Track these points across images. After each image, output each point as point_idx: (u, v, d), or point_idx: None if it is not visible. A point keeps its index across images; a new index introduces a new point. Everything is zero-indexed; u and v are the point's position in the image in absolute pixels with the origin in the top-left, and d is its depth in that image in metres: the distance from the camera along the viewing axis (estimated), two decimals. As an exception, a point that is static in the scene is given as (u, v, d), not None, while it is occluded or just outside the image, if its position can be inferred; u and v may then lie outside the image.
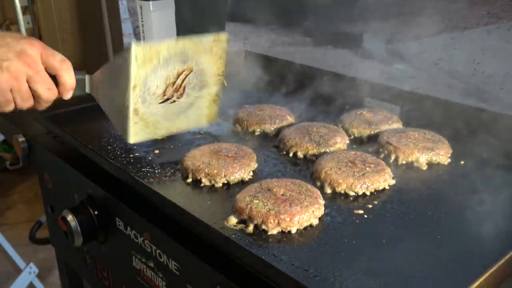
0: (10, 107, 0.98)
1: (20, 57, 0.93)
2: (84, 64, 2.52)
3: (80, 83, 1.04)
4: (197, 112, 1.15)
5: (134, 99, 1.03)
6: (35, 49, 0.95)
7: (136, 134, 1.08)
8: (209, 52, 1.11)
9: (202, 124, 1.19)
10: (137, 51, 1.00)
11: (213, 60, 1.12)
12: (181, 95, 1.10)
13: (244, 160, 1.08)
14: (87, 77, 1.06)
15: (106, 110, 1.09)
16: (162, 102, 1.08)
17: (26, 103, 0.98)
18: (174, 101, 1.10)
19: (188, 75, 1.08)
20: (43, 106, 1.01)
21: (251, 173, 1.08)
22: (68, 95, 1.03)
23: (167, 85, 1.07)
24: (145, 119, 1.07)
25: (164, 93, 1.07)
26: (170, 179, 1.06)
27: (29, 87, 0.96)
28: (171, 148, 1.21)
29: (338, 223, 0.92)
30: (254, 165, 1.10)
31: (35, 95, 0.98)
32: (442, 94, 1.40)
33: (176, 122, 1.13)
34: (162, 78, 1.06)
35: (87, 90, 1.06)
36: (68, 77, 1.00)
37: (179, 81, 1.07)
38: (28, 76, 0.95)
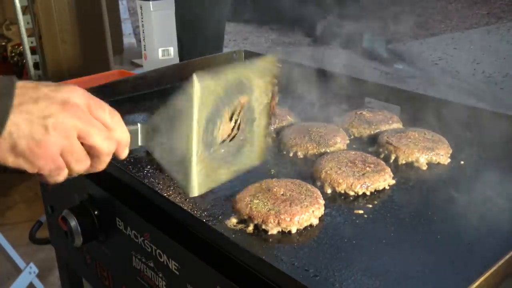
0: (62, 175, 0.74)
1: (65, 107, 0.70)
2: (84, 64, 2.52)
3: (132, 136, 0.82)
4: (250, 149, 0.99)
5: (197, 145, 0.86)
6: (80, 96, 0.73)
7: (200, 185, 0.90)
8: (260, 78, 0.96)
9: (255, 163, 0.99)
10: (200, 84, 0.83)
11: (263, 86, 0.97)
12: (238, 129, 0.94)
13: (244, 160, 1.07)
14: (139, 126, 0.84)
15: (163, 162, 0.89)
16: (223, 141, 0.92)
17: (82, 164, 0.74)
18: (232, 138, 0.95)
19: (244, 106, 0.94)
20: (103, 164, 0.77)
21: (251, 173, 1.07)
22: (124, 154, 0.80)
23: (226, 121, 0.92)
24: (207, 165, 0.91)
25: (224, 131, 0.92)
26: (170, 179, 1.06)
27: (82, 143, 0.73)
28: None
29: (338, 223, 0.92)
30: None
31: (92, 152, 0.75)
32: (442, 94, 1.40)
33: (233, 163, 0.97)
34: (223, 114, 0.90)
35: (140, 142, 0.85)
36: (123, 133, 0.79)
37: (236, 115, 0.92)
38: (79, 130, 0.72)
